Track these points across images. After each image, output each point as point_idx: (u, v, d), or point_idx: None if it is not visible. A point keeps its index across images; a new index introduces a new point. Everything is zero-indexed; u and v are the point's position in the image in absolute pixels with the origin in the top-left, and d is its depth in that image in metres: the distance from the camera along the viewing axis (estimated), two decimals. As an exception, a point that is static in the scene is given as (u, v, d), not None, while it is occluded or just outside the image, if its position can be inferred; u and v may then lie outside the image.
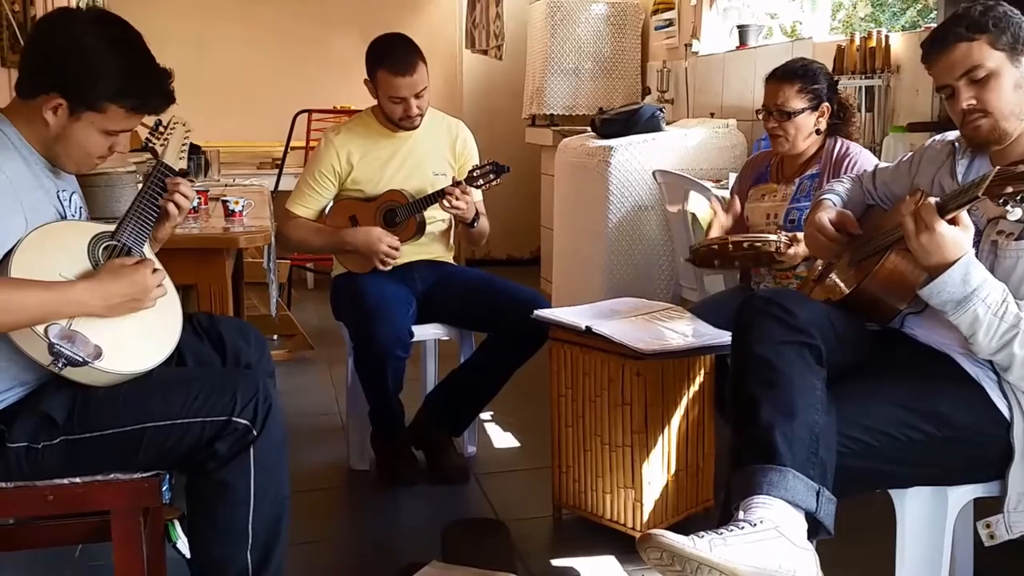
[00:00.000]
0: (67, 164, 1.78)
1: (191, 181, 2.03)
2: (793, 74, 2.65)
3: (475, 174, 2.88)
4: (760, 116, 2.74)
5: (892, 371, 1.81)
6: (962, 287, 1.63)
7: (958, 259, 1.63)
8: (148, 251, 1.86)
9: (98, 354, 1.62)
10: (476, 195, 3.02)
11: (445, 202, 2.82)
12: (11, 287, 1.56)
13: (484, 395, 2.96)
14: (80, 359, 1.60)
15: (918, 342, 1.87)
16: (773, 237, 2.48)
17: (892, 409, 1.69)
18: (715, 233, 2.75)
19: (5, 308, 1.53)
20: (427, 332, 2.98)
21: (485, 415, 3.40)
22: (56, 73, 1.67)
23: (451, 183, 2.85)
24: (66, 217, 1.78)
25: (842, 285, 1.98)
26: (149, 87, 1.75)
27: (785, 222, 2.66)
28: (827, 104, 2.66)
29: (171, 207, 1.91)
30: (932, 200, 1.64)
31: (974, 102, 1.77)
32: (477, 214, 2.91)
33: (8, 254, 1.60)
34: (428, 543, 2.41)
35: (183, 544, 1.88)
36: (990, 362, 1.74)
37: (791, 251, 2.45)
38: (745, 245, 2.51)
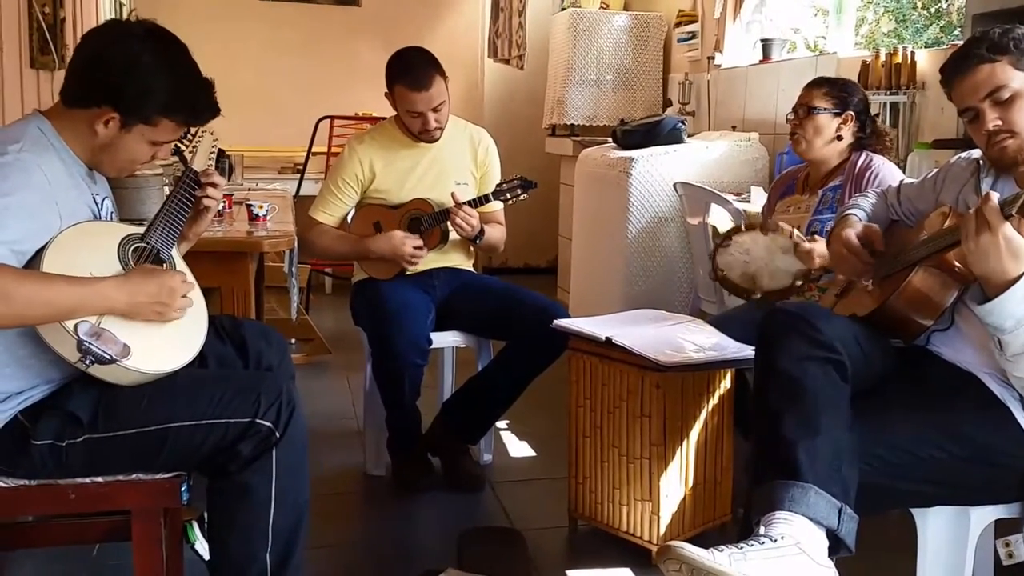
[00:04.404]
0: (109, 170, 1.82)
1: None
2: (825, 81, 2.80)
3: (503, 187, 2.90)
4: (788, 118, 2.80)
5: (917, 390, 1.79)
6: None
7: (1020, 275, 1.55)
8: (176, 253, 1.88)
9: (126, 353, 1.63)
10: (496, 205, 3.04)
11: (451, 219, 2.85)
12: (40, 280, 1.58)
13: (501, 404, 2.95)
14: (108, 357, 1.61)
15: (944, 361, 1.85)
16: (790, 228, 2.48)
17: (916, 428, 1.68)
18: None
19: (33, 300, 1.54)
20: (445, 339, 2.98)
21: (501, 424, 3.40)
22: (111, 88, 1.68)
23: (472, 197, 2.87)
24: (99, 219, 1.80)
25: (867, 301, 1.97)
26: (199, 100, 1.78)
27: (807, 233, 2.65)
28: (851, 113, 2.70)
29: (207, 202, 1.94)
30: (995, 199, 1.55)
31: (1000, 123, 1.76)
32: (482, 231, 2.91)
33: (41, 250, 1.61)
34: (443, 550, 2.42)
35: (201, 545, 1.89)
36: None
37: (807, 246, 2.44)
38: (760, 230, 2.51)
